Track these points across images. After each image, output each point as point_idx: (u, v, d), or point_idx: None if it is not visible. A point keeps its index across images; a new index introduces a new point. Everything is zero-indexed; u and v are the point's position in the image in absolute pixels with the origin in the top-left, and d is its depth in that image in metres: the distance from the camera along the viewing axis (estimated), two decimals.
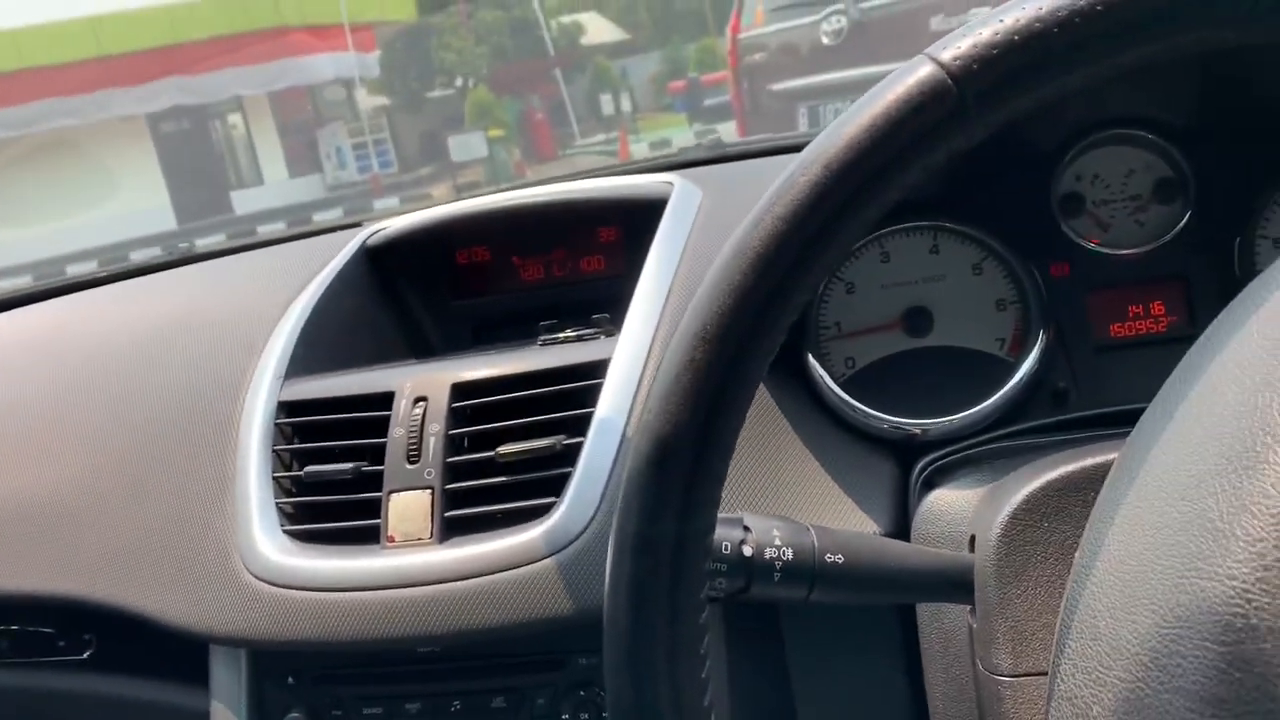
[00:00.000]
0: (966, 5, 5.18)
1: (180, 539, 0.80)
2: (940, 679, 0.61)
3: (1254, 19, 0.35)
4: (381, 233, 0.98)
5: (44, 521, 0.87)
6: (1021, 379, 0.73)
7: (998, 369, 0.74)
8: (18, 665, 0.93)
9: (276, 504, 0.77)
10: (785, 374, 0.76)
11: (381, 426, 0.76)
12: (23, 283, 1.36)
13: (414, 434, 0.75)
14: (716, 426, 0.37)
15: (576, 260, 0.99)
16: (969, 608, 0.54)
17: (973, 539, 0.55)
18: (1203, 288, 0.76)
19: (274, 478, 0.78)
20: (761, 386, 0.73)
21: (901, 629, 0.71)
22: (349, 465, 0.76)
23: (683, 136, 9.74)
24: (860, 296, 0.78)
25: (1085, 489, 0.52)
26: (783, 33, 6.10)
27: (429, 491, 0.73)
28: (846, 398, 0.74)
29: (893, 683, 0.73)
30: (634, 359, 0.74)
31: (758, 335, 0.37)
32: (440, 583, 0.70)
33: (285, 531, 0.76)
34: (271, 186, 12.87)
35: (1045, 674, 0.48)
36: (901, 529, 0.68)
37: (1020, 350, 0.75)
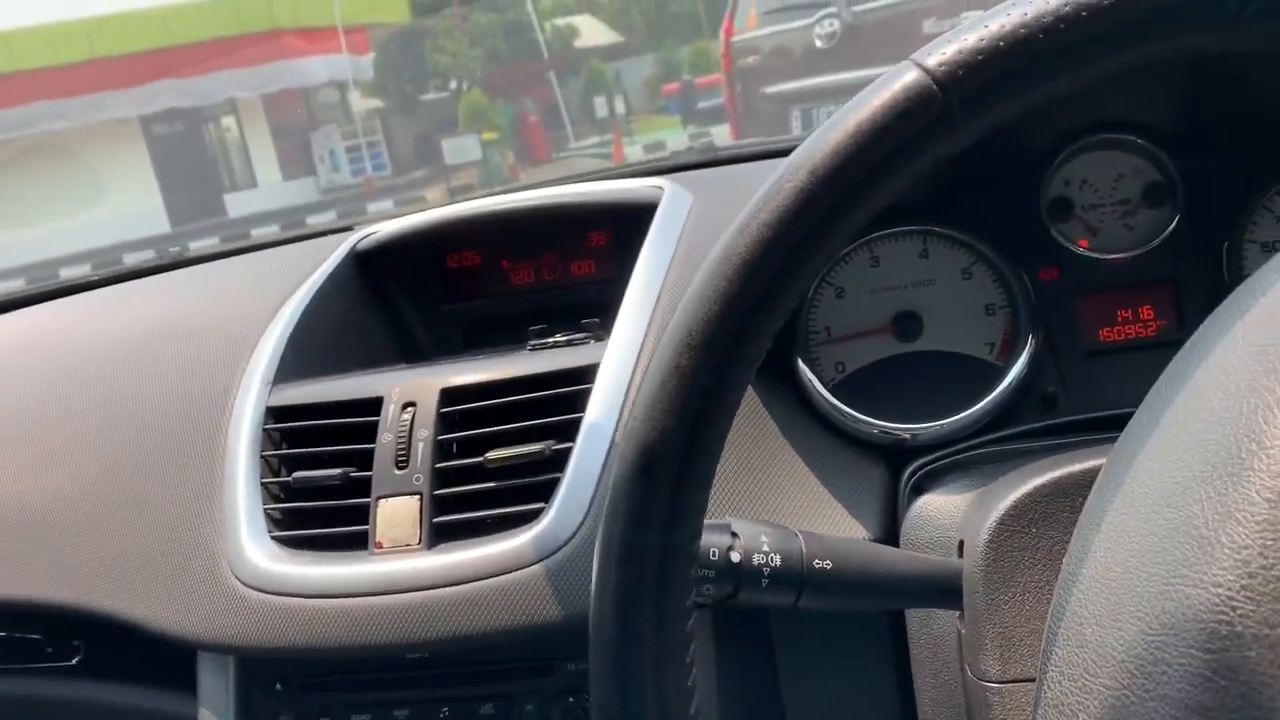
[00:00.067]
0: (959, 8, 5.19)
1: (169, 546, 0.80)
2: (929, 685, 0.61)
3: (1238, 23, 0.35)
4: (371, 237, 0.98)
5: (33, 529, 0.86)
6: (1011, 383, 0.73)
7: (987, 373, 0.74)
8: (6, 672, 0.92)
9: (265, 510, 0.77)
10: (775, 378, 0.76)
11: (370, 432, 0.76)
12: (16, 286, 1.35)
13: (402, 439, 0.74)
14: (702, 433, 0.37)
15: (567, 264, 0.99)
16: (958, 613, 0.54)
17: (961, 544, 0.55)
18: (1191, 292, 0.76)
19: (262, 484, 0.78)
20: (751, 391, 0.73)
21: (891, 634, 0.71)
22: (337, 471, 0.75)
23: (677, 139, 9.74)
24: (850, 301, 0.78)
25: (1073, 495, 0.52)
26: (776, 36, 6.11)
27: (417, 497, 0.73)
28: (836, 402, 0.74)
29: (882, 688, 0.73)
30: (623, 364, 0.74)
31: (743, 342, 0.36)
32: (428, 589, 0.70)
33: (274, 538, 0.76)
34: (265, 189, 12.84)
35: (1033, 680, 0.48)
36: (891, 534, 0.68)
37: (1009, 355, 0.75)
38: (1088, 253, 0.77)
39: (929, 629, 0.61)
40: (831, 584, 0.46)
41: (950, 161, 0.37)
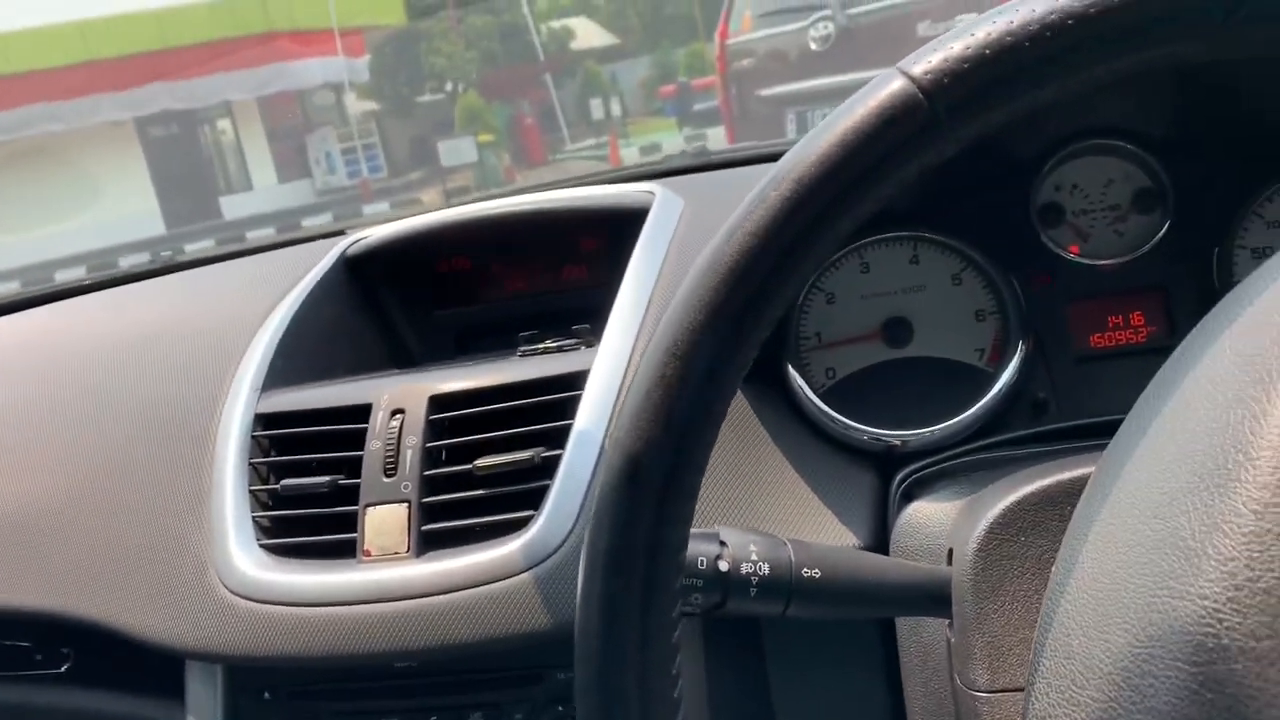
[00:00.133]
0: (953, 11, 5.20)
1: (157, 554, 0.79)
2: (919, 693, 0.61)
3: (1226, 31, 0.35)
4: (362, 242, 0.98)
5: (21, 536, 0.86)
6: (1001, 389, 0.73)
7: (977, 379, 0.74)
8: None
9: (253, 518, 0.77)
10: (765, 384, 0.76)
11: (359, 439, 0.76)
12: (11, 289, 1.35)
13: (391, 447, 0.74)
14: (688, 442, 0.36)
15: (558, 270, 0.99)
16: (947, 622, 0.54)
17: (950, 552, 0.55)
18: (1182, 298, 0.76)
19: (251, 491, 0.78)
20: (741, 397, 0.73)
21: (882, 642, 0.71)
22: (325, 479, 0.75)
23: (673, 141, 9.74)
24: (840, 307, 0.78)
25: (1062, 503, 0.52)
26: (771, 38, 6.11)
27: (406, 505, 0.72)
28: (826, 409, 0.74)
29: (872, 696, 0.73)
30: (613, 370, 0.74)
31: (730, 350, 0.36)
32: (417, 598, 0.69)
33: (262, 546, 0.75)
34: (260, 192, 12.84)
35: (1022, 690, 0.48)
36: (881, 541, 0.68)
37: (1000, 361, 0.75)
38: (1078, 258, 0.77)
39: (919, 637, 0.61)
40: (820, 592, 0.46)
41: (940, 167, 0.37)
